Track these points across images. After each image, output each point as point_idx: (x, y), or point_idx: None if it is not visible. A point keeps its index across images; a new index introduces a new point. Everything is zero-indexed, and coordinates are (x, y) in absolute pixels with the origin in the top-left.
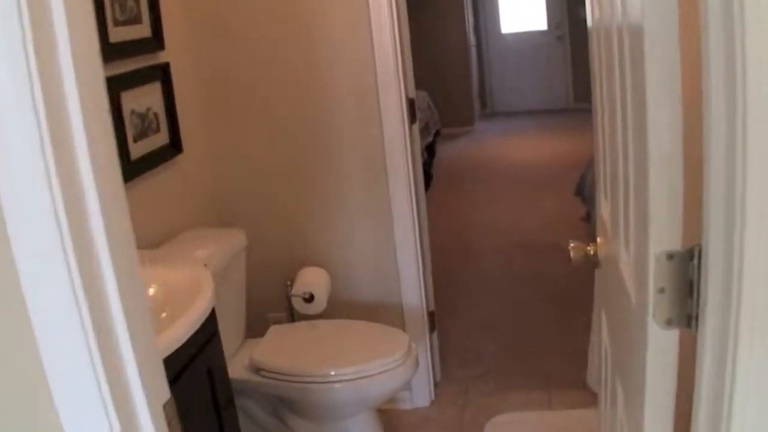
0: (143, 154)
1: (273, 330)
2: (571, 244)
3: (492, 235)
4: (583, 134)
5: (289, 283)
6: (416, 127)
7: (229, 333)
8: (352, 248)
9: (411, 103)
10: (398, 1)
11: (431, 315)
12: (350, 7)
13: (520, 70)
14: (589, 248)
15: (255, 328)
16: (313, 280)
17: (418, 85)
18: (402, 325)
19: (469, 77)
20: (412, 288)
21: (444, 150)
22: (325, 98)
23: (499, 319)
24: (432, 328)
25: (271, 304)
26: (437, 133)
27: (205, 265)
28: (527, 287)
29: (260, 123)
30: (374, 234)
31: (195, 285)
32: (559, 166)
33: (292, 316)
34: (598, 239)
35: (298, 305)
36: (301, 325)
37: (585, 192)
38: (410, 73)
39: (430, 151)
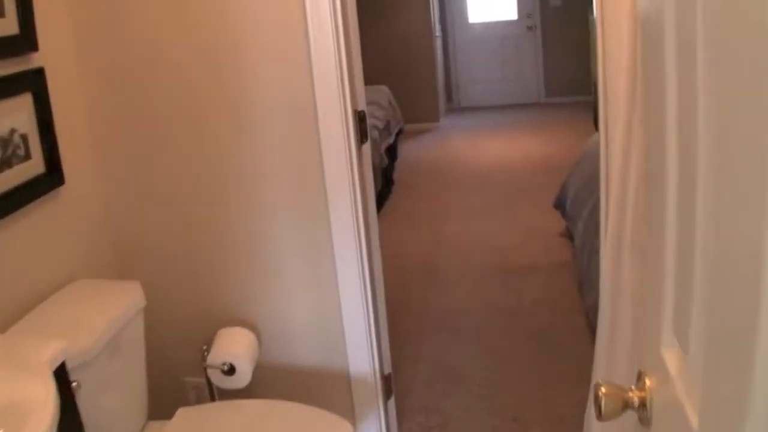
0: (5, 190)
1: (180, 415)
2: (603, 390)
3: (460, 253)
4: (556, 133)
5: (205, 347)
6: (367, 147)
7: (125, 416)
8: (285, 302)
9: (360, 118)
10: None
11: (386, 379)
12: None
13: (489, 62)
14: (631, 395)
15: (168, 398)
16: (234, 347)
17: (379, 79)
18: (349, 395)
19: (433, 70)
20: (361, 348)
21: (407, 150)
22: (247, 113)
23: (469, 367)
24: (387, 394)
25: (188, 366)
26: (399, 132)
27: (57, 371)
28: (503, 323)
29: (167, 145)
30: (312, 283)
31: (29, 402)
32: (532, 170)
33: (212, 390)
34: (647, 381)
35: (217, 378)
36: (216, 408)
37: (566, 206)
38: (359, 79)
39: (391, 153)
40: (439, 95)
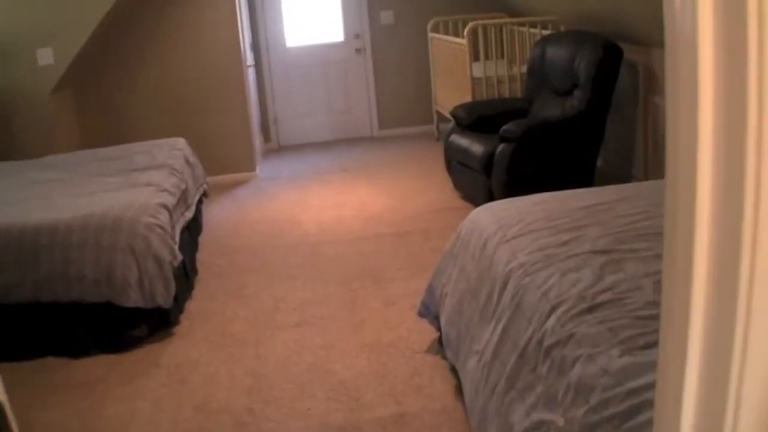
0: None
1: None
2: None
3: (290, 397)
4: (398, 177)
5: None
6: None
7: None
8: None
9: None
10: None
11: None
12: None
13: (312, 93)
14: None
15: None
16: None
17: (174, 128)
18: None
19: (246, 107)
20: None
21: (215, 216)
22: None
23: None
24: None
25: None
26: (204, 195)
27: None
28: None
29: None
30: None
31: None
32: (374, 237)
33: None
34: None
35: None
36: None
37: (439, 315)
38: None
39: (192, 231)
40: (253, 137)
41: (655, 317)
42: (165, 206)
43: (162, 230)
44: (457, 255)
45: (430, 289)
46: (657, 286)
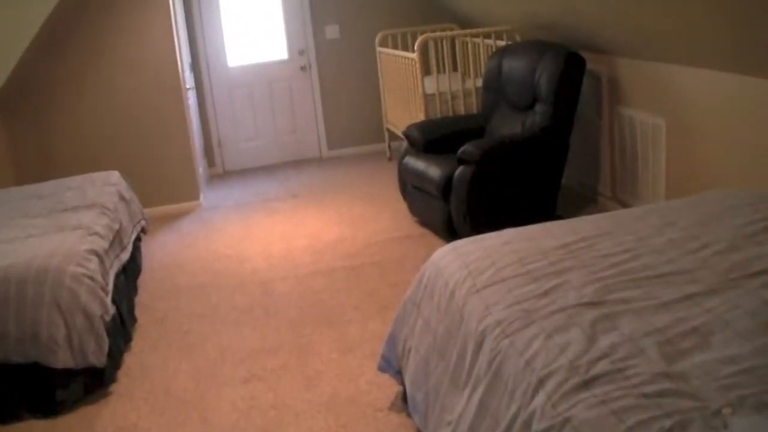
0: None
1: None
2: None
3: None
4: (350, 203)
5: None
6: None
7: None
8: None
9: None
10: None
11: None
12: None
13: (256, 113)
14: None
15: None
16: None
17: (106, 159)
18: None
19: (186, 132)
20: None
21: (155, 253)
22: None
23: None
24: None
25: None
26: (142, 232)
27: None
28: None
29: None
30: None
31: None
32: (327, 272)
33: None
34: None
35: None
36: None
37: (402, 367)
38: None
39: (129, 273)
40: (196, 164)
41: (667, 393)
42: (95, 252)
43: (91, 281)
44: (420, 304)
45: (391, 342)
46: (662, 348)
